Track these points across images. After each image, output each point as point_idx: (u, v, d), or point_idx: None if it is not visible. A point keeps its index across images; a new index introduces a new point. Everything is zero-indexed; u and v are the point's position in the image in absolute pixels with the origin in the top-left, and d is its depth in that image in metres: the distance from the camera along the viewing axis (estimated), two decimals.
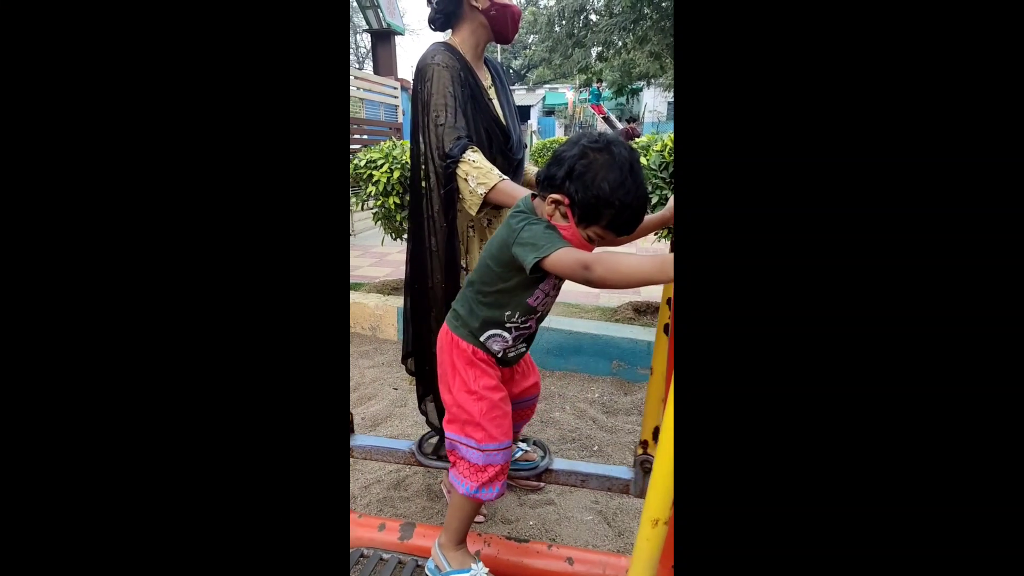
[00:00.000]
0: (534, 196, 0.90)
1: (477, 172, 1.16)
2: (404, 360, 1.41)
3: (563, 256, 0.77)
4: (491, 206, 1.19)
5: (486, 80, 1.32)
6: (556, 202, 0.82)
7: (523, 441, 1.21)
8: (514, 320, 0.91)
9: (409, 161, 1.38)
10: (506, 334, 0.92)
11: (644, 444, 1.11)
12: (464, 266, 1.31)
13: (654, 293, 3.27)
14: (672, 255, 0.68)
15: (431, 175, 1.24)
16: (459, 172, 1.18)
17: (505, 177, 1.15)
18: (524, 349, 0.99)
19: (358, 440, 1.22)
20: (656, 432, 1.11)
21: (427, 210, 1.28)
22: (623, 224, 0.82)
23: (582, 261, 0.75)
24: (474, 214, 1.20)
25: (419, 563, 0.99)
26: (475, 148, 1.20)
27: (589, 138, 0.83)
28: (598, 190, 0.79)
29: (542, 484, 1.60)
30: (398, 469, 1.72)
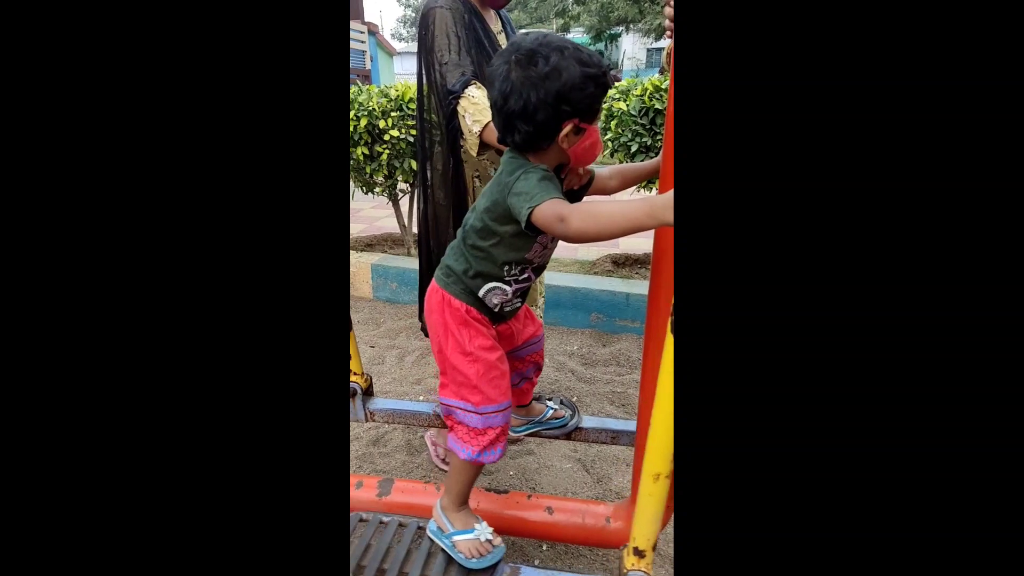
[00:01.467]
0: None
1: (474, 109, 1.09)
2: (420, 318, 1.39)
3: (544, 209, 0.71)
4: (494, 150, 1.13)
5: (495, 26, 1.25)
6: (568, 133, 0.74)
7: (550, 400, 1.19)
8: (513, 273, 0.85)
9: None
10: (505, 287, 0.86)
11: None
12: None
13: (632, 246, 3.25)
14: (662, 195, 0.62)
15: (438, 122, 1.17)
16: (459, 109, 1.12)
17: None
18: (519, 303, 0.93)
19: (377, 404, 1.18)
20: None
21: (435, 163, 1.22)
22: (611, 84, 0.77)
23: (558, 213, 0.69)
24: (474, 155, 1.14)
25: (420, 525, 0.98)
26: (479, 84, 1.12)
27: (515, 60, 0.73)
28: (590, 81, 0.72)
29: (521, 435, 1.62)
30: (376, 425, 1.70)
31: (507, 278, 0.86)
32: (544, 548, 1.26)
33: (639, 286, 2.31)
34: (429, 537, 0.95)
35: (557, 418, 1.14)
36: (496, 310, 0.88)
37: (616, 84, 2.55)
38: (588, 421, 1.14)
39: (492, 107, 0.78)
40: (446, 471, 1.49)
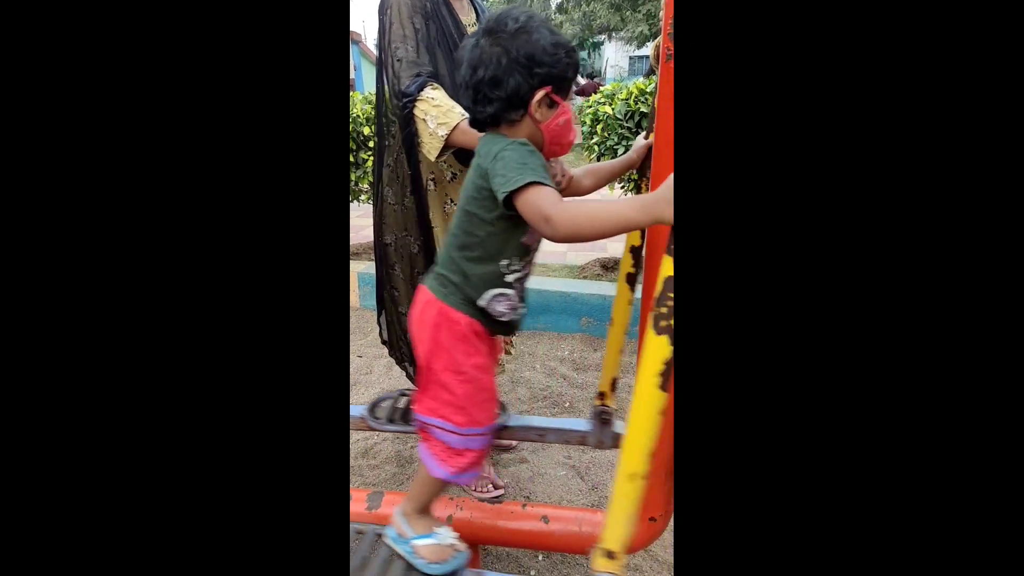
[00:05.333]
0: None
1: (437, 111, 1.04)
2: (379, 322, 1.34)
3: (530, 199, 0.67)
4: (452, 150, 1.09)
5: (467, 17, 1.18)
6: (540, 102, 0.72)
7: None
8: (514, 268, 0.78)
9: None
10: (510, 291, 0.79)
11: (602, 395, 1.09)
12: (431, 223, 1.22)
13: (621, 249, 3.25)
14: (655, 193, 0.60)
15: (391, 120, 1.13)
16: (417, 112, 1.06)
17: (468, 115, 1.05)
18: (525, 310, 0.85)
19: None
20: (615, 383, 1.10)
21: (386, 159, 1.18)
22: (578, 61, 0.77)
23: (543, 212, 0.65)
24: (433, 159, 1.09)
25: (378, 532, 0.94)
26: (435, 85, 1.07)
27: (487, 31, 0.72)
28: (560, 46, 0.71)
29: (514, 443, 1.59)
30: (366, 437, 1.66)
31: (509, 278, 0.79)
32: (540, 558, 1.23)
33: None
34: (387, 544, 0.90)
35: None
36: (504, 320, 0.81)
37: (601, 88, 2.56)
38: (515, 420, 1.10)
39: (462, 86, 0.76)
40: (482, 497, 1.44)
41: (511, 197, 0.68)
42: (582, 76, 12.23)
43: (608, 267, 2.81)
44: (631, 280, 1.07)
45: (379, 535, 0.93)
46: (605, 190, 1.50)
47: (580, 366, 2.06)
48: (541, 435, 1.10)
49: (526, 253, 0.80)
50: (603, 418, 1.08)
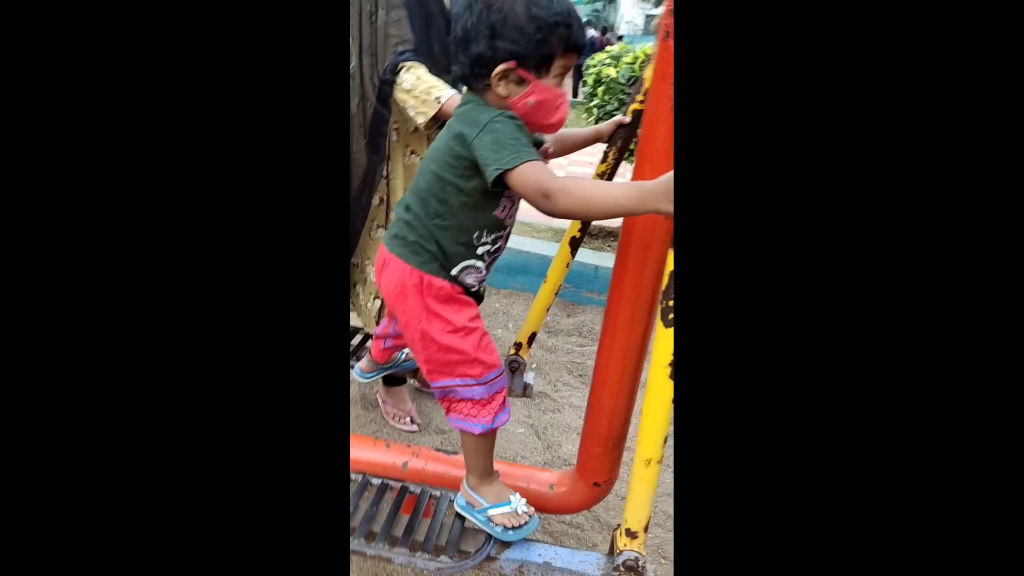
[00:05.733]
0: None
1: (415, 101, 1.04)
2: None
3: (527, 175, 0.66)
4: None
5: None
6: (504, 74, 0.69)
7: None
8: (485, 242, 0.79)
9: None
10: (479, 263, 0.80)
11: (518, 346, 1.13)
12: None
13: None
14: (654, 182, 0.60)
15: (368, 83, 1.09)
16: (397, 100, 1.06)
17: (448, 93, 1.02)
18: (485, 278, 0.88)
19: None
20: (532, 337, 1.14)
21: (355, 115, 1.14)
22: (578, 38, 0.70)
23: (543, 187, 0.65)
24: (423, 129, 1.09)
25: (451, 497, 0.96)
26: (410, 65, 1.04)
27: None
28: (534, 22, 0.66)
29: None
30: None
31: (480, 251, 0.80)
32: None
33: (609, 259, 2.32)
34: (458, 513, 0.92)
35: (412, 359, 1.14)
36: (474, 291, 0.84)
37: (607, 49, 2.47)
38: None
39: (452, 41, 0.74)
40: (399, 428, 1.50)
41: (504, 175, 0.67)
42: (595, 30, 11.75)
43: (592, 234, 2.81)
44: (574, 244, 1.10)
45: (450, 502, 0.94)
46: None
47: (552, 330, 2.09)
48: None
49: (499, 227, 0.80)
50: (512, 367, 1.13)
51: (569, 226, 1.07)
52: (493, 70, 0.69)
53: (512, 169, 0.66)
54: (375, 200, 1.25)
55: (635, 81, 2.27)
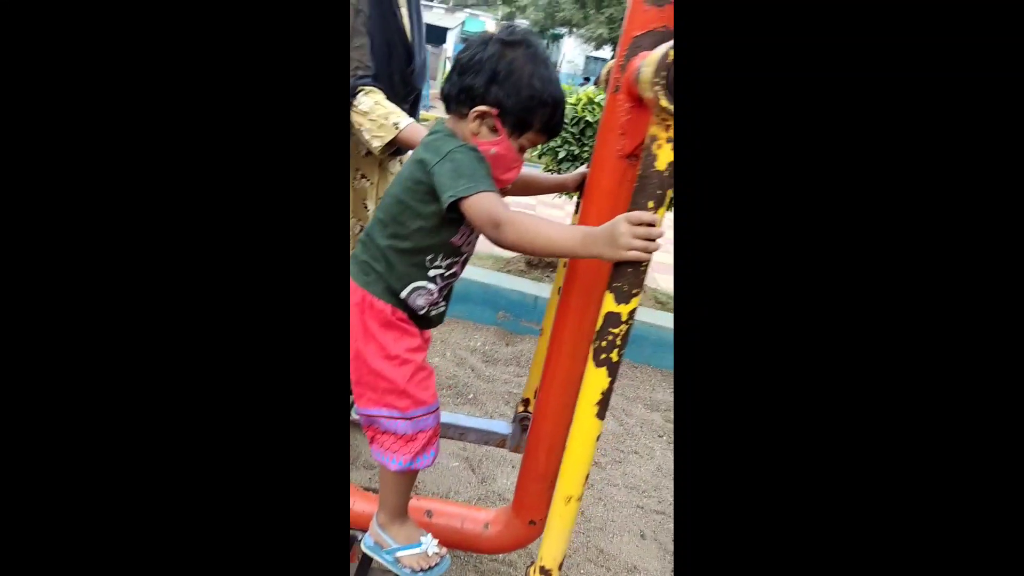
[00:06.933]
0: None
1: (372, 124, 1.04)
2: None
3: (481, 203, 0.68)
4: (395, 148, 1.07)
5: None
6: (482, 115, 0.73)
7: None
8: (439, 266, 0.78)
9: None
10: (431, 285, 0.79)
11: (526, 402, 1.12)
12: None
13: None
14: (599, 230, 0.62)
15: None
16: (352, 121, 1.05)
17: (406, 121, 1.03)
18: (445, 307, 0.86)
19: None
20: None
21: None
22: (556, 124, 0.77)
23: (494, 217, 0.67)
24: (375, 152, 1.08)
25: (356, 537, 0.90)
26: (369, 90, 1.04)
27: (501, 33, 0.74)
28: (530, 90, 0.72)
29: None
30: None
31: (432, 273, 0.79)
32: None
33: (547, 289, 2.36)
34: (365, 553, 0.87)
35: None
36: (422, 313, 0.81)
37: None
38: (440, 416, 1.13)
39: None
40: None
41: (458, 201, 0.69)
42: None
43: (533, 264, 2.85)
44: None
45: (356, 541, 0.89)
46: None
47: (490, 359, 2.09)
48: (463, 434, 1.11)
49: (455, 253, 0.81)
50: (524, 424, 1.10)
51: (556, 275, 1.06)
52: (476, 106, 0.73)
53: (467, 197, 0.68)
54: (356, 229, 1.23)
55: (577, 121, 2.36)
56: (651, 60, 0.54)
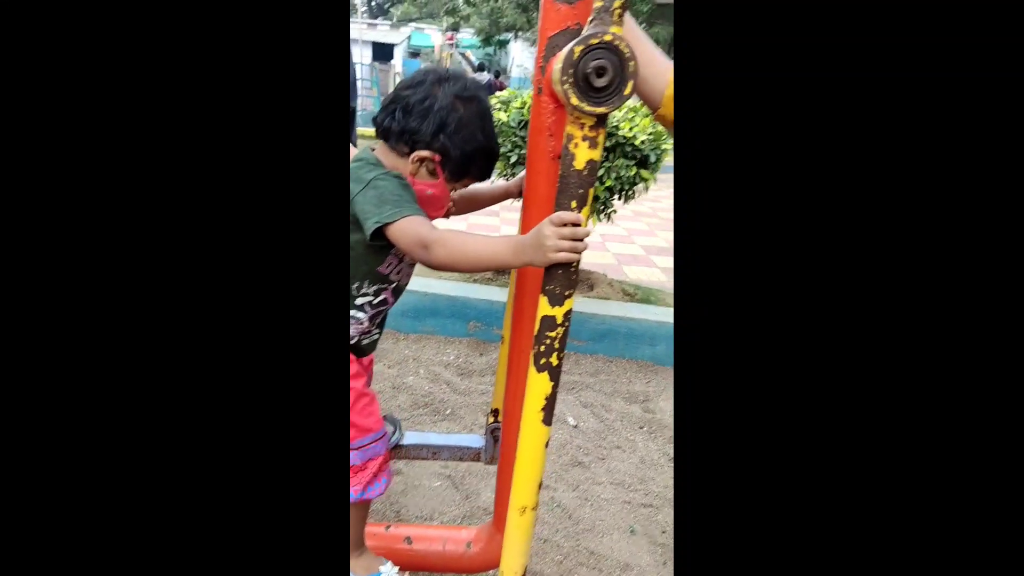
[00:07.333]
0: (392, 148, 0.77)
1: None
2: None
3: (406, 227, 0.68)
4: None
5: None
6: (423, 159, 0.74)
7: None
8: (366, 293, 0.78)
9: None
10: (360, 314, 0.78)
11: (495, 412, 1.10)
12: None
13: None
14: (527, 237, 0.62)
15: None
16: None
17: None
18: (378, 335, 0.85)
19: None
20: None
21: None
22: (489, 170, 0.80)
23: (422, 239, 0.67)
24: None
25: None
26: None
27: (453, 84, 0.75)
28: (476, 143, 0.74)
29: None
30: None
31: (360, 301, 0.78)
32: None
33: None
34: None
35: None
36: (353, 342, 0.80)
37: (498, 94, 2.57)
38: (409, 437, 1.10)
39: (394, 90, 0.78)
40: None
41: (383, 228, 0.68)
42: (488, 72, 12.25)
43: (499, 271, 2.84)
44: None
45: None
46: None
47: (465, 371, 2.06)
48: (435, 453, 1.09)
49: (382, 281, 0.80)
50: (495, 435, 1.08)
51: (511, 281, 1.06)
52: (418, 149, 0.74)
53: (393, 222, 0.68)
54: None
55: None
56: (559, 58, 0.53)
